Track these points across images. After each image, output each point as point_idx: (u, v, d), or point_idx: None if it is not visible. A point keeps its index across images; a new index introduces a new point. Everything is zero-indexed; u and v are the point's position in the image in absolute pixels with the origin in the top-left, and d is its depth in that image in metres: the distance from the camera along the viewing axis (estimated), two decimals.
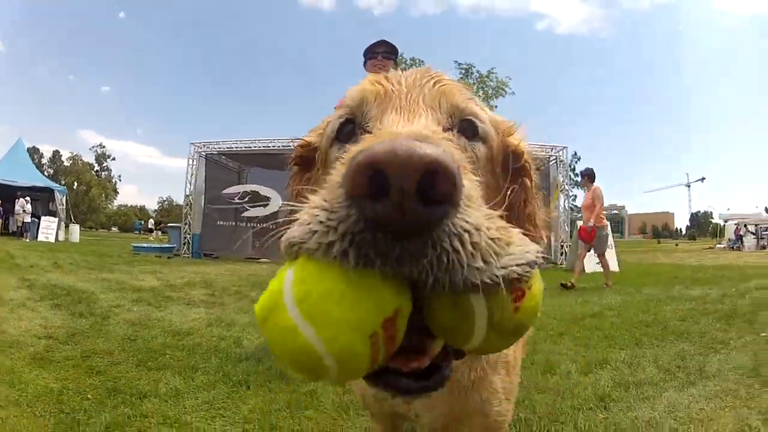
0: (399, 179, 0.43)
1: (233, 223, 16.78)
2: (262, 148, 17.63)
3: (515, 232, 0.52)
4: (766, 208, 33.43)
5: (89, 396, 2.60)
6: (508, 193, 0.69)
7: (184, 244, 16.80)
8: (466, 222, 0.47)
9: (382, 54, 3.60)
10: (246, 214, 16.63)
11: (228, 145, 17.67)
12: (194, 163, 17.23)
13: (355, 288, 0.45)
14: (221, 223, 16.85)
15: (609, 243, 14.05)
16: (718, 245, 30.57)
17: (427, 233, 0.45)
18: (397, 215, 0.44)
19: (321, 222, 0.48)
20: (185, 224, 17.15)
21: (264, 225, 16.80)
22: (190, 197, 17.47)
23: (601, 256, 8.67)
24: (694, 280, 8.83)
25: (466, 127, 0.75)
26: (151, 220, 55.12)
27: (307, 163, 0.90)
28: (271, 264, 14.34)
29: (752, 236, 26.14)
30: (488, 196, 0.63)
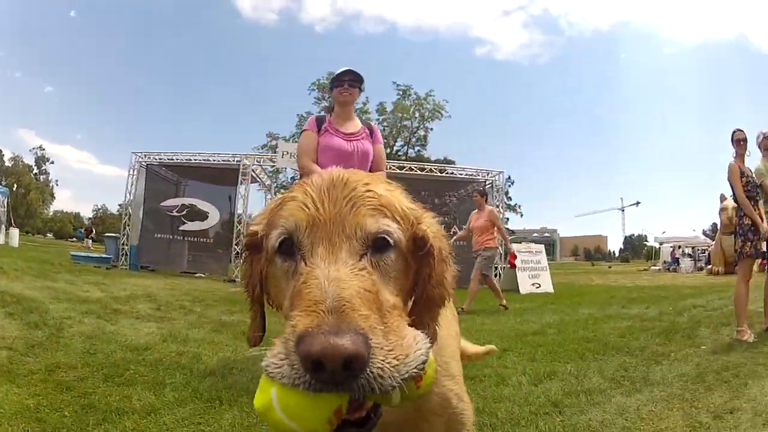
0: (330, 365, 0.72)
1: (170, 236, 16.45)
2: (202, 161, 17.46)
3: (411, 338, 0.82)
4: (703, 231, 35.67)
5: (66, 413, 2.55)
6: (415, 273, 1.02)
7: (122, 255, 16.32)
8: (376, 364, 0.75)
9: (348, 82, 3.72)
10: (184, 227, 16.35)
11: (169, 156, 17.41)
12: (134, 172, 16.88)
13: (313, 399, 0.76)
14: (159, 235, 16.52)
15: (534, 264, 14.80)
16: (653, 267, 31.80)
17: (353, 380, 0.74)
18: (331, 378, 0.73)
19: (287, 365, 0.76)
20: (123, 235, 16.70)
21: (202, 240, 16.57)
22: (129, 207, 17.07)
23: (486, 278, 8.86)
24: (630, 300, 9.29)
25: (378, 245, 0.94)
26: (85, 229, 52.12)
27: (256, 248, 1.09)
28: (207, 279, 14.13)
29: (689, 258, 27.28)
30: (400, 281, 0.97)
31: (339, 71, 3.78)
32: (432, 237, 1.03)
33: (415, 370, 0.78)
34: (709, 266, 20.10)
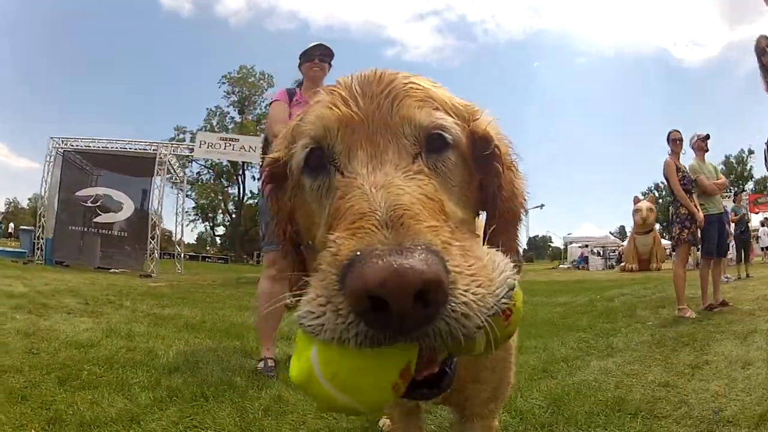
0: (397, 301, 0.49)
1: (84, 229, 15.26)
2: (119, 149, 16.36)
3: (492, 260, 0.60)
4: (610, 232, 38.51)
5: (33, 430, 2.08)
6: (483, 184, 0.84)
7: (37, 248, 15.21)
8: (459, 294, 0.53)
9: (318, 57, 3.58)
10: (98, 219, 15.18)
11: (86, 143, 16.43)
12: (51, 159, 15.73)
13: (372, 359, 0.54)
14: (72, 228, 15.38)
15: None
16: (561, 266, 33.54)
17: (429, 321, 0.52)
18: (398, 321, 0.51)
19: (330, 312, 0.53)
20: (38, 227, 15.53)
21: (116, 233, 15.48)
22: (44, 198, 15.97)
23: None
24: (554, 291, 9.70)
25: (434, 144, 0.74)
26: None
27: (279, 179, 0.88)
28: (122, 274, 13.20)
29: (598, 257, 28.80)
30: (464, 192, 0.78)
31: (309, 46, 3.64)
32: (495, 137, 0.83)
33: (505, 301, 0.57)
34: (622, 264, 21.60)
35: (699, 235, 5.84)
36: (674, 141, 6.03)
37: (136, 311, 5.83)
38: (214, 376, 3.04)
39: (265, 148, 3.74)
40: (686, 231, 5.75)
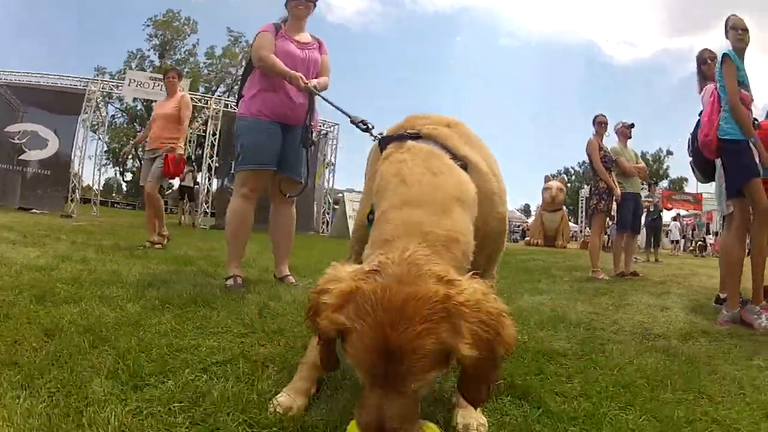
0: None
1: (8, 167, 14.19)
2: (49, 84, 15.28)
3: None
4: (515, 209, 40.40)
5: (32, 342, 1.85)
6: None
7: None
8: None
9: None
10: (23, 156, 14.21)
11: (17, 76, 15.20)
12: None
13: None
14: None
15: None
16: None
17: None
18: None
19: None
20: None
21: (41, 171, 14.62)
22: None
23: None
24: None
25: None
26: None
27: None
28: (44, 215, 12.51)
29: None
30: None
31: None
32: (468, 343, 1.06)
33: None
34: (527, 238, 22.50)
35: (615, 210, 6.65)
36: (599, 123, 6.80)
37: (76, 242, 5.69)
38: (191, 290, 3.07)
39: (247, 71, 3.82)
40: (603, 203, 6.53)
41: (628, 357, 2.29)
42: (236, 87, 35.95)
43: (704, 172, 4.26)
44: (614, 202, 6.60)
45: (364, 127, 2.27)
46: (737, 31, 3.57)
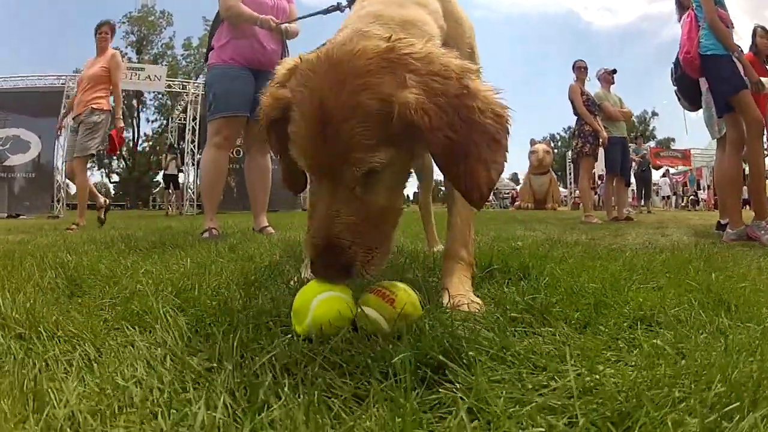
0: None
1: None
2: (28, 86, 14.98)
3: None
4: (505, 176, 40.46)
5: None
6: None
7: None
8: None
9: None
10: (8, 162, 13.99)
11: None
12: None
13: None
14: None
15: None
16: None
17: None
18: None
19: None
20: None
21: (24, 175, 14.42)
22: None
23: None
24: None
25: (368, 176, 0.96)
26: None
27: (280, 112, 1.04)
28: (31, 220, 12.36)
29: (492, 198, 30.13)
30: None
31: None
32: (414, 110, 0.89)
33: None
34: (517, 203, 21.77)
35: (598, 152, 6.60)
36: (579, 68, 6.71)
37: (57, 228, 5.45)
38: (164, 239, 3.05)
39: (215, 23, 3.76)
40: (588, 146, 6.45)
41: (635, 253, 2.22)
42: None
43: (690, 99, 4.19)
44: (600, 147, 6.54)
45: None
46: None
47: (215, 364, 0.82)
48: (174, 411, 0.65)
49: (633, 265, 1.78)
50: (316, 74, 0.91)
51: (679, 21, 4.18)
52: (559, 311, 1.11)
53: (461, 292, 1.23)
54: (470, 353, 0.80)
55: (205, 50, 3.88)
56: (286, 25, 3.58)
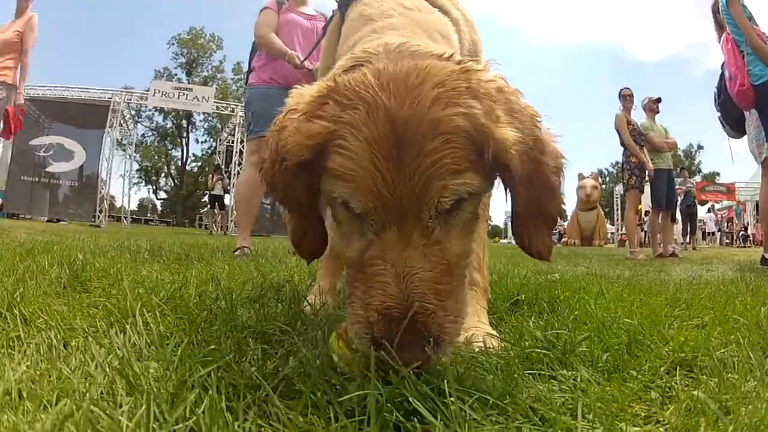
0: None
1: (36, 179, 14.54)
2: (75, 97, 15.63)
3: None
4: None
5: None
6: None
7: None
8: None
9: None
10: (50, 169, 14.57)
11: (43, 91, 15.53)
12: None
13: None
14: (25, 178, 14.51)
15: None
16: (501, 241, 33.45)
17: None
18: None
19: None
20: None
21: (68, 182, 14.96)
22: None
23: None
24: (524, 256, 10.10)
25: (452, 208, 0.76)
26: None
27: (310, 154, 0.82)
28: (72, 224, 12.78)
29: None
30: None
31: None
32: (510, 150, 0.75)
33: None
34: (564, 240, 21.38)
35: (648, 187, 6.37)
36: (624, 97, 6.51)
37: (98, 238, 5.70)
38: (190, 252, 3.07)
39: (253, 51, 3.86)
40: (634, 178, 6.23)
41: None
42: None
43: (734, 124, 4.07)
44: (647, 178, 6.31)
45: None
46: None
47: (161, 373, 0.75)
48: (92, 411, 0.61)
49: (676, 300, 1.68)
50: (377, 90, 0.73)
51: (719, 41, 4.09)
52: (585, 351, 0.98)
53: (476, 324, 1.09)
54: (453, 399, 0.63)
55: None
56: (317, 65, 3.53)
